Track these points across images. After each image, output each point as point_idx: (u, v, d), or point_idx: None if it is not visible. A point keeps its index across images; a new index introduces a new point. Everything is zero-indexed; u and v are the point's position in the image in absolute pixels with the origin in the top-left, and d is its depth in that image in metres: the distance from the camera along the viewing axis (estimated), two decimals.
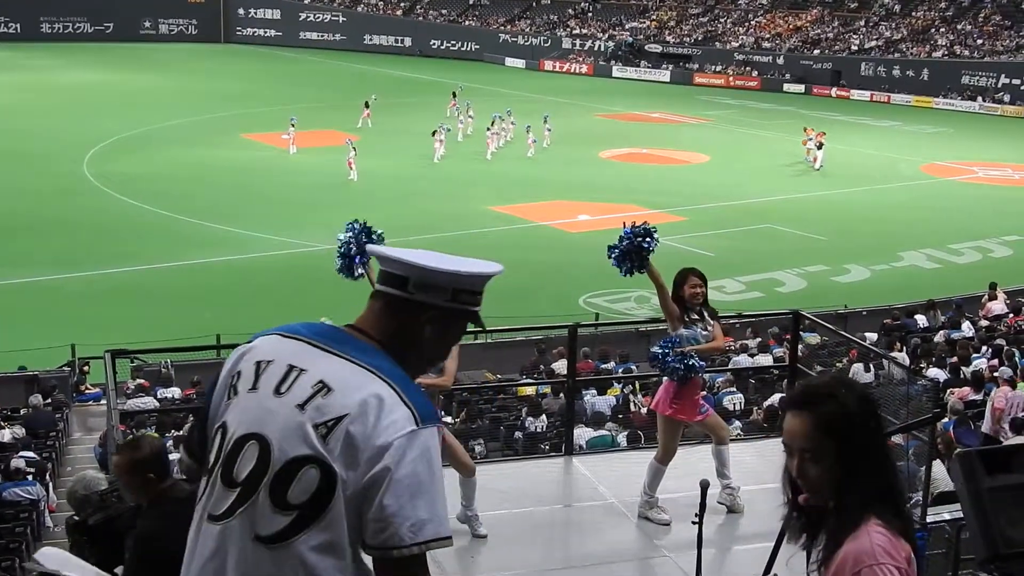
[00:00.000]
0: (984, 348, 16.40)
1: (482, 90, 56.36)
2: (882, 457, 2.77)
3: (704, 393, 8.22)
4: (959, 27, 66.58)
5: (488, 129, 41.03)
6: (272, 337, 2.60)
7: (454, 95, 48.28)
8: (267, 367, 2.52)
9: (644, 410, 13.96)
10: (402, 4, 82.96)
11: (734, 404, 14.26)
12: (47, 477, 13.01)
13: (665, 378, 7.58)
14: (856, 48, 67.90)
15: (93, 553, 5.21)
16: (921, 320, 19.81)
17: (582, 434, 12.19)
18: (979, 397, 13.79)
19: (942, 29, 66.98)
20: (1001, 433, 11.74)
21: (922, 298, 21.11)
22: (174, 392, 16.26)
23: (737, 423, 13.20)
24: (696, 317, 7.54)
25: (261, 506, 2.41)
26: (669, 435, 7.65)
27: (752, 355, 16.82)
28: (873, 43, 67.85)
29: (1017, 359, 15.17)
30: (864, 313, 21.33)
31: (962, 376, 14.63)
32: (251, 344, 2.63)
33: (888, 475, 2.77)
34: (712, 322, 7.63)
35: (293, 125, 40.16)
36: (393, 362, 2.50)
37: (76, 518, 5.42)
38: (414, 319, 2.56)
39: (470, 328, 2.72)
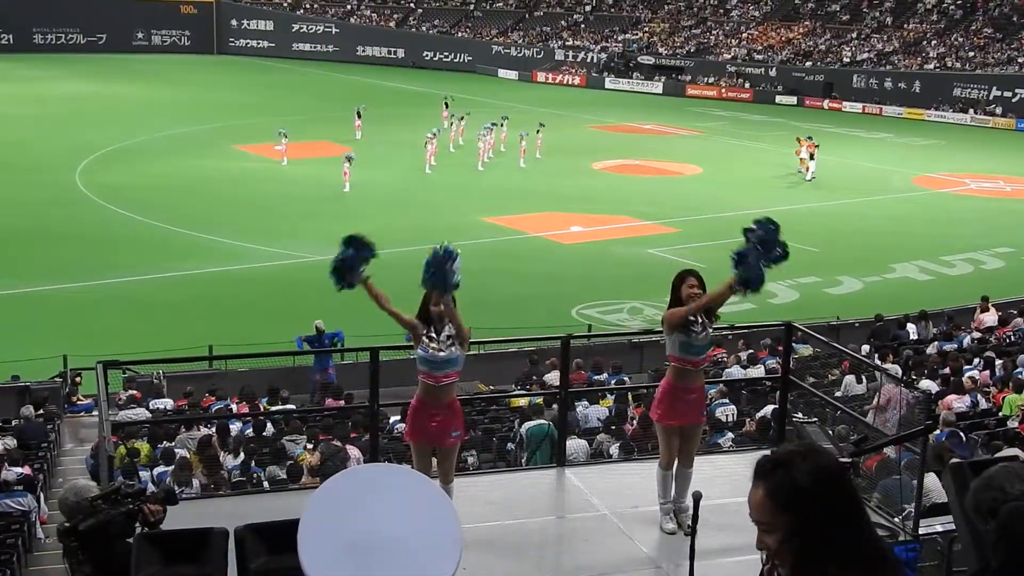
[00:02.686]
0: (976, 360, 16.46)
1: (475, 101, 56.40)
2: (844, 527, 2.60)
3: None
4: (951, 39, 66.82)
5: (479, 139, 41.02)
6: None
7: (446, 105, 48.31)
8: None
9: (635, 421, 13.93)
10: (395, 16, 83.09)
11: (727, 415, 14.27)
12: (38, 488, 12.95)
13: (659, 384, 7.84)
14: (848, 60, 68.09)
15: (85, 558, 5.20)
16: (912, 331, 19.85)
17: (577, 446, 12.17)
18: (965, 408, 13.84)
19: (934, 41, 67.23)
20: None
21: (914, 310, 21.13)
22: (166, 403, 16.22)
23: (730, 434, 13.25)
24: (693, 319, 7.59)
25: None
26: (660, 440, 7.75)
27: (744, 367, 16.86)
28: (865, 55, 68.06)
29: (1000, 369, 15.24)
30: (856, 325, 21.34)
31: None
32: None
33: (851, 542, 2.60)
34: (710, 326, 7.70)
35: (285, 136, 39.99)
36: None
37: (67, 524, 5.42)
38: None
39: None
